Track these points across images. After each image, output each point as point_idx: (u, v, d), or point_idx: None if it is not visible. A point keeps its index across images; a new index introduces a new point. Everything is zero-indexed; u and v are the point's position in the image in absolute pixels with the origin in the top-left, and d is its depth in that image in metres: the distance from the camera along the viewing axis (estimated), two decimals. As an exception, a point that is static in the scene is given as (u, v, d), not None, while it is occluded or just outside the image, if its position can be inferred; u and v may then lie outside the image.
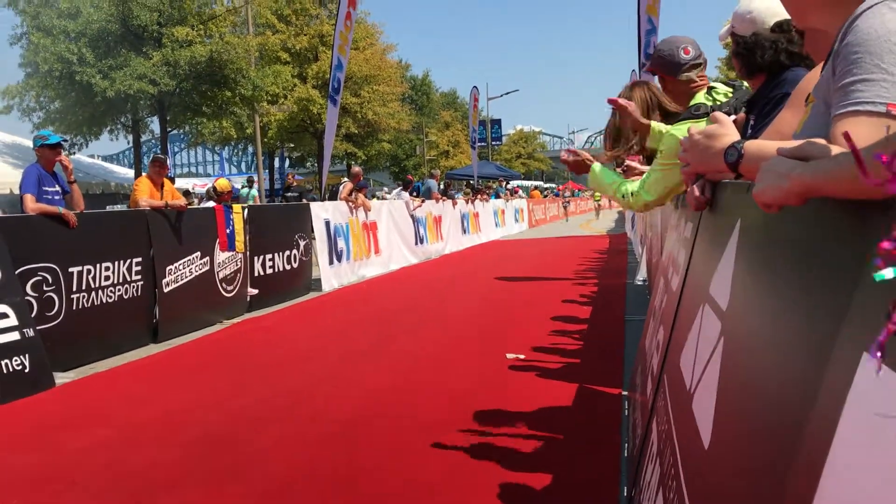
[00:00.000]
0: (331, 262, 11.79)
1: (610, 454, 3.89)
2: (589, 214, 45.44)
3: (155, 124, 28.77)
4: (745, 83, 3.26)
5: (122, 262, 7.17)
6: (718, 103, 3.25)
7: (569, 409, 4.73)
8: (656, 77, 3.90)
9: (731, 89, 3.34)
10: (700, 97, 3.41)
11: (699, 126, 2.19)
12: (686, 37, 3.65)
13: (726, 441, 1.32)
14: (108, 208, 15.21)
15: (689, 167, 1.90)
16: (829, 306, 0.92)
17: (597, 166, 3.71)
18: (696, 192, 2.30)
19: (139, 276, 7.41)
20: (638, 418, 3.48)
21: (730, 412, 1.34)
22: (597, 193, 45.75)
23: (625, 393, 4.94)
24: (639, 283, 10.74)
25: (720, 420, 1.39)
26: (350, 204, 12.76)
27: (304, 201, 13.55)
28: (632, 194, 3.45)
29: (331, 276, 11.70)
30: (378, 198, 21.18)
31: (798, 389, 0.96)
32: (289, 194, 17.94)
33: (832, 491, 0.77)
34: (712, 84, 3.46)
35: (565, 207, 41.68)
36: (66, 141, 7.66)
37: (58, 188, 6.86)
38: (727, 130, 1.71)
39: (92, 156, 36.97)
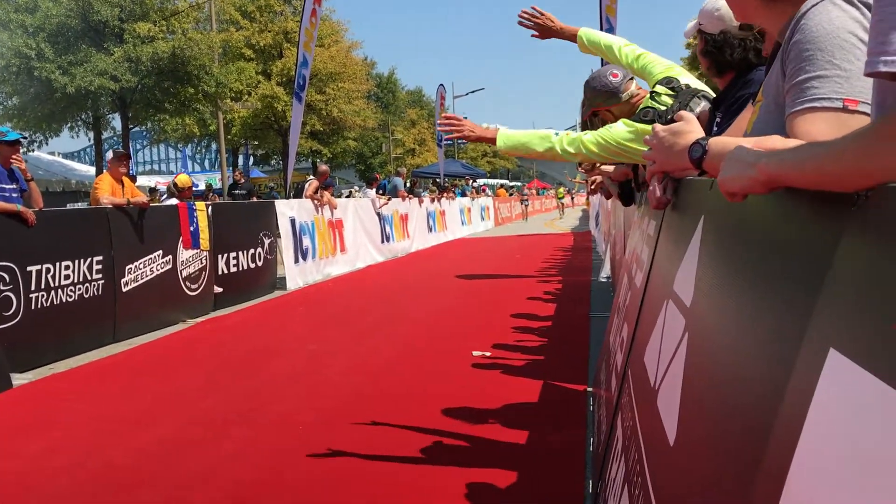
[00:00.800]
0: (296, 261, 11.70)
1: (575, 450, 3.90)
2: (552, 213, 43.72)
3: (116, 121, 28.36)
4: (685, 83, 3.32)
5: (82, 260, 7.04)
6: (664, 108, 3.29)
7: (534, 406, 4.74)
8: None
9: (672, 91, 3.38)
10: (646, 101, 3.46)
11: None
12: (606, 65, 3.74)
13: (691, 437, 1.32)
14: (69, 206, 14.97)
15: (655, 165, 1.91)
16: (794, 301, 0.92)
17: (503, 130, 3.53)
18: (658, 193, 2.32)
19: (100, 275, 7.28)
20: (603, 414, 3.49)
21: (695, 408, 1.34)
22: (560, 190, 44.88)
23: (590, 389, 4.96)
24: (603, 280, 10.81)
25: (685, 416, 1.39)
26: (315, 202, 12.68)
27: (254, 199, 13.13)
28: (569, 142, 3.43)
29: (296, 275, 11.61)
30: (345, 195, 21.05)
31: (764, 385, 0.96)
32: (236, 192, 17.04)
33: (800, 485, 0.77)
34: (654, 90, 3.50)
35: (524, 206, 38.32)
36: (24, 138, 7.48)
37: (15, 186, 6.71)
38: (692, 128, 1.72)
39: (52, 153, 36.37)
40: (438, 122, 3.69)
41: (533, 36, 3.99)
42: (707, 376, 1.30)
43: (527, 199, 39.66)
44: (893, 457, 0.60)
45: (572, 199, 58.40)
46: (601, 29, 13.84)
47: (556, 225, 30.86)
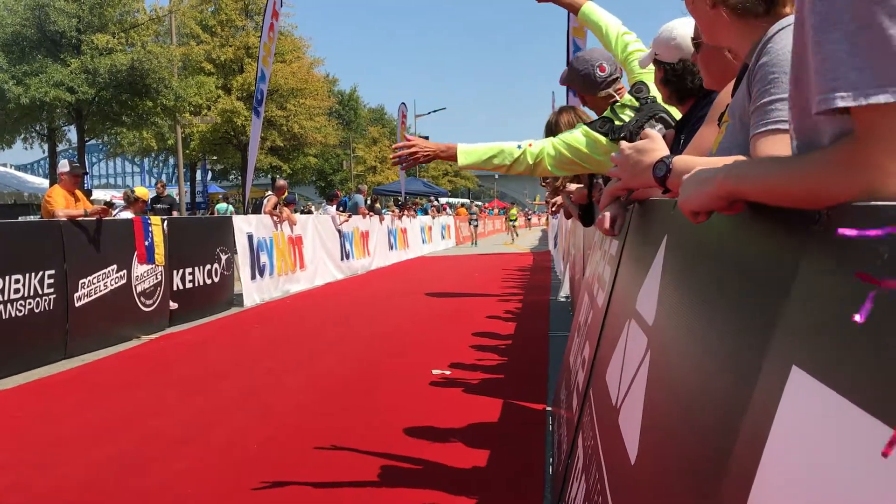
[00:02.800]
0: (253, 277, 11.58)
1: (534, 470, 3.89)
2: (503, 236, 38.51)
3: (72, 133, 27.93)
4: (654, 95, 3.31)
5: (33, 274, 6.88)
6: (620, 124, 3.30)
7: (494, 425, 4.72)
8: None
9: (637, 101, 3.38)
10: (608, 112, 3.46)
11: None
12: (600, 51, 3.68)
13: (653, 456, 1.32)
14: (21, 219, 14.62)
15: (620, 182, 1.92)
16: (757, 319, 0.93)
17: (462, 146, 3.35)
18: (606, 225, 2.36)
19: (51, 290, 7.12)
20: (563, 434, 3.49)
21: (656, 427, 1.34)
22: (512, 212, 38.34)
23: (549, 408, 4.96)
24: (562, 299, 10.87)
25: (647, 435, 1.38)
26: (274, 218, 12.57)
27: (175, 213, 12.24)
28: (531, 155, 3.39)
29: (253, 292, 11.48)
30: (302, 212, 20.92)
31: (727, 403, 0.96)
32: (157, 206, 15.70)
33: (763, 503, 0.77)
34: (617, 103, 3.50)
35: (473, 228, 33.34)
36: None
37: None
38: (657, 146, 1.74)
39: (4, 164, 35.67)
40: (392, 156, 3.46)
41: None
42: (669, 395, 1.30)
43: (476, 220, 34.32)
44: (855, 472, 0.60)
45: (528, 219, 57.13)
46: (567, 53, 13.83)
47: (516, 244, 30.76)
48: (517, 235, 35.22)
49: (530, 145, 3.38)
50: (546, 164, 3.38)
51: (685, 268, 1.42)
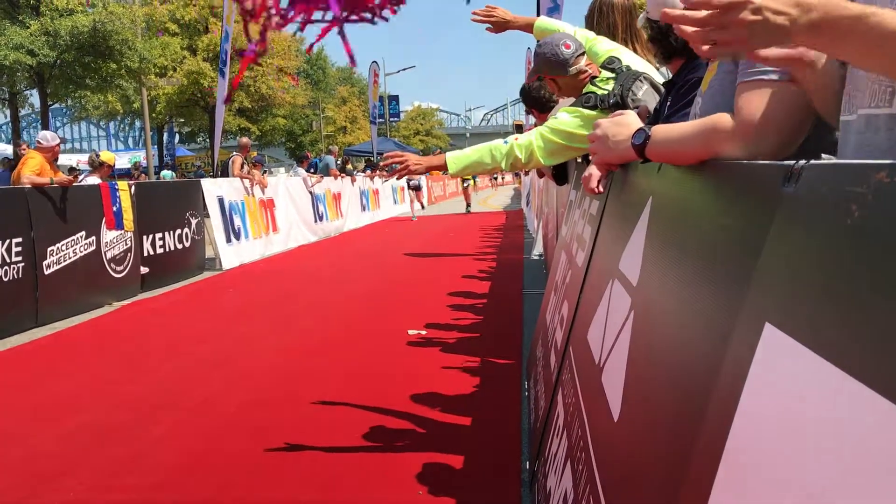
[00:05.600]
0: (228, 241, 11.47)
1: (511, 425, 3.92)
2: (455, 201, 28.60)
3: (35, 98, 27.31)
4: (626, 64, 3.33)
5: (0, 243, 6.76)
6: (605, 93, 3.30)
7: (470, 383, 4.75)
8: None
9: (612, 73, 3.39)
10: (588, 87, 3.46)
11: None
12: (559, 34, 3.72)
13: (636, 413, 1.33)
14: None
15: (597, 158, 1.92)
16: (733, 279, 0.95)
17: (450, 154, 3.52)
18: (593, 184, 2.35)
19: (20, 258, 7.00)
20: (540, 391, 3.52)
21: (640, 385, 1.35)
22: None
23: (525, 365, 4.99)
24: (535, 258, 10.92)
25: (630, 393, 1.40)
26: (245, 181, 12.42)
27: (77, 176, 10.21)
28: (520, 148, 3.44)
29: (230, 255, 11.39)
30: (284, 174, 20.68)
31: (705, 361, 0.98)
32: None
33: (737, 456, 0.80)
34: (595, 76, 3.51)
35: (415, 191, 22.29)
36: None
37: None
38: (633, 120, 1.75)
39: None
40: (382, 162, 3.69)
41: (488, 30, 4.04)
42: (652, 354, 1.31)
43: (418, 187, 22.86)
44: (823, 422, 0.62)
45: (493, 178, 54.65)
46: (538, 9, 13.62)
47: (488, 203, 30.41)
48: (469, 206, 24.63)
49: (516, 139, 3.43)
50: (538, 156, 3.42)
51: (670, 229, 1.42)
